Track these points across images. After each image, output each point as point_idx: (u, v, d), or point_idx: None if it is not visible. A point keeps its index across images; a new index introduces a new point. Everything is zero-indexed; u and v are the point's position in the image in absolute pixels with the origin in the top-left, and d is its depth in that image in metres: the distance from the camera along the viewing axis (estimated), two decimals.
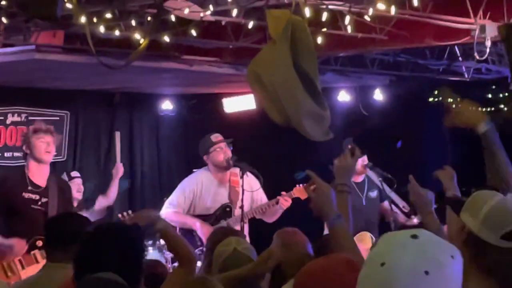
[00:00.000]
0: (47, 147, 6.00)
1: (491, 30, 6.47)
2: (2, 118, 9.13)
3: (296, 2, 4.88)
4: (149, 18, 6.15)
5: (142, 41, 5.80)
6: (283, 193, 7.00)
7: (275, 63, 4.35)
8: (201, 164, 7.20)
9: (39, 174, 6.01)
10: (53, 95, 9.41)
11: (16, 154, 8.89)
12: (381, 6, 5.87)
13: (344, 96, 10.16)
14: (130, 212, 6.74)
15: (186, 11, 5.86)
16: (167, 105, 10.39)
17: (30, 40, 6.82)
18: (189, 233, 6.90)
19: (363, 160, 7.24)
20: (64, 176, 7.63)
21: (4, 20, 5.83)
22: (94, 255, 2.96)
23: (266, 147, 9.63)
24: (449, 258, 1.78)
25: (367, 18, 6.30)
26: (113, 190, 7.80)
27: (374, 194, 7.58)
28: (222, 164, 6.96)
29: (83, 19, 5.35)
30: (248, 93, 9.10)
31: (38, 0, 4.31)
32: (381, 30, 6.95)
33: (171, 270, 5.93)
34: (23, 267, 5.77)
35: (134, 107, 10.36)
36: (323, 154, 8.54)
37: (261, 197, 7.10)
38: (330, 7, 6.00)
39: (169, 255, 8.26)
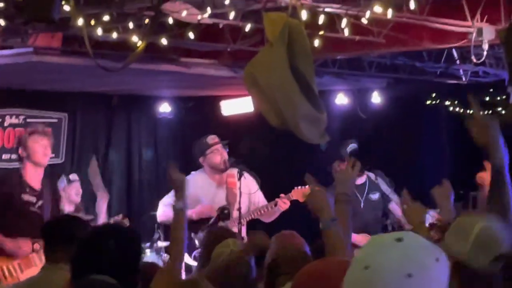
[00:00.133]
0: (44, 150, 6.00)
1: (489, 33, 6.48)
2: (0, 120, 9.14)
3: (293, 5, 4.89)
4: (146, 21, 6.15)
5: (139, 43, 5.81)
6: (282, 195, 7.01)
7: (272, 65, 4.37)
8: (199, 166, 7.20)
9: (35, 177, 6.01)
10: (51, 97, 9.41)
11: (13, 156, 8.85)
12: (378, 9, 5.87)
13: (341, 99, 10.17)
14: (121, 216, 6.77)
15: (184, 13, 5.86)
16: (165, 108, 10.39)
17: (28, 42, 6.83)
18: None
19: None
20: (63, 179, 7.63)
21: (2, 22, 5.84)
22: (91, 257, 2.96)
23: (264, 150, 9.64)
24: (433, 261, 1.76)
25: (364, 21, 6.31)
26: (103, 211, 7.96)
27: (375, 196, 7.54)
28: (219, 166, 6.96)
29: (80, 22, 5.35)
30: (246, 95, 9.11)
31: (35, 2, 4.31)
32: (379, 33, 6.95)
33: None
34: (21, 271, 5.77)
35: (132, 109, 10.37)
36: (321, 156, 8.60)
37: (259, 199, 7.10)
38: (326, 10, 6.01)
39: (166, 257, 8.28)
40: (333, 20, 6.45)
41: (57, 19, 4.50)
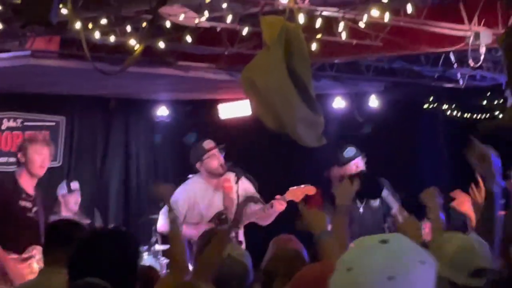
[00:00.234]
0: (42, 162, 5.98)
1: (486, 36, 6.49)
2: None
3: (290, 8, 4.90)
4: (144, 24, 6.16)
5: (137, 47, 5.81)
6: (277, 196, 7.00)
7: (269, 69, 4.37)
8: (197, 170, 7.19)
9: (30, 183, 6.01)
10: (49, 100, 9.41)
11: (11, 159, 8.87)
12: (375, 12, 5.88)
13: (339, 103, 10.18)
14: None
15: (181, 17, 5.87)
16: (162, 111, 10.40)
17: (26, 46, 6.83)
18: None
19: (356, 166, 7.22)
20: (64, 186, 7.60)
21: None
22: (88, 260, 2.96)
23: (261, 153, 9.65)
24: (417, 263, 1.76)
25: (361, 24, 6.32)
26: None
27: (376, 202, 7.52)
28: (216, 171, 6.95)
29: (78, 25, 5.35)
30: (243, 99, 9.12)
31: (32, 5, 4.31)
32: (376, 37, 6.97)
33: None
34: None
35: (129, 113, 10.38)
36: (317, 160, 8.60)
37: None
38: (324, 13, 6.02)
39: (164, 260, 8.27)
40: (330, 24, 6.46)
41: (55, 23, 4.50)
